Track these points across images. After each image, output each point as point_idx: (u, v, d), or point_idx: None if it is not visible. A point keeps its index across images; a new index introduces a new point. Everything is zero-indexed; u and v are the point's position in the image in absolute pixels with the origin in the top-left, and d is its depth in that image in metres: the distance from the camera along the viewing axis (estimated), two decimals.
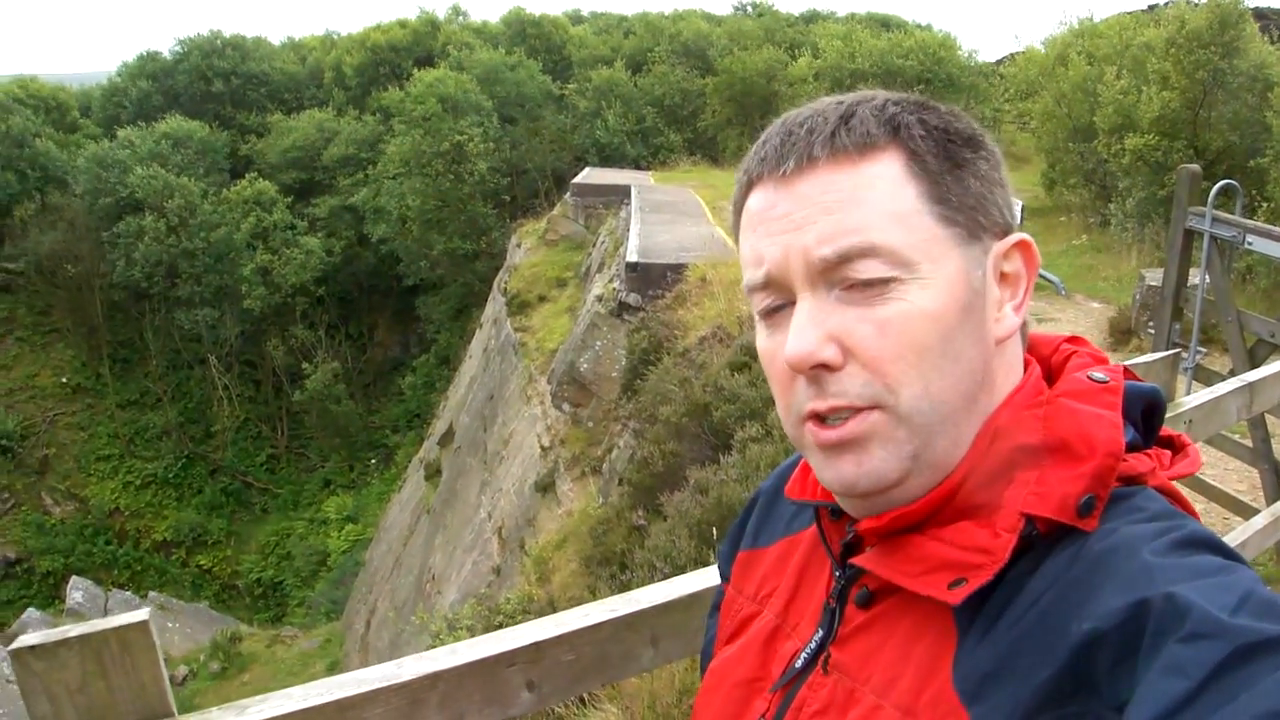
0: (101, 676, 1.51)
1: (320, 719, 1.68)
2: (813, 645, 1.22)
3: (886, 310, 1.07)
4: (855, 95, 1.17)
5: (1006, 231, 1.17)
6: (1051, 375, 1.20)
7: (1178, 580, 0.91)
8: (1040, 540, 1.05)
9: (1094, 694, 0.92)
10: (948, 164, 1.12)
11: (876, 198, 1.09)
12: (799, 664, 1.22)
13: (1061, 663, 0.94)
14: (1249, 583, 0.91)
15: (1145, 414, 1.18)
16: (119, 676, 1.52)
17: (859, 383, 1.08)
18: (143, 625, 1.53)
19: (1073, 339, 1.25)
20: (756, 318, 1.19)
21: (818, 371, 1.09)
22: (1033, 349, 1.23)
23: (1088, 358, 1.21)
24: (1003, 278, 1.16)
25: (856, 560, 1.17)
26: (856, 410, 1.09)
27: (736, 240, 1.23)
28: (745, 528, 1.52)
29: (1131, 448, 1.11)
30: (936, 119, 1.15)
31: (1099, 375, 1.15)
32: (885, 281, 1.07)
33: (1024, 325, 1.20)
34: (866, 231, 1.07)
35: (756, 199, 1.16)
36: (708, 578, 2.10)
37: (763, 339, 1.19)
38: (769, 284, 1.13)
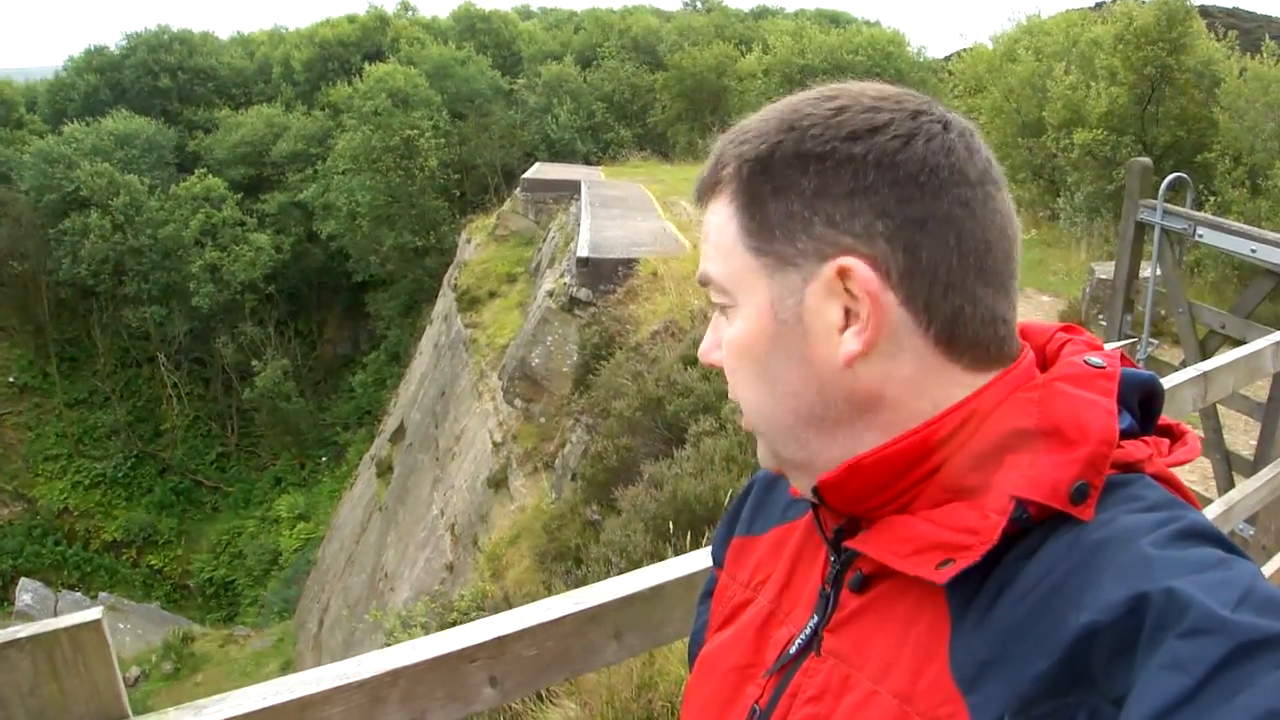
0: (53, 678, 1.48)
1: (280, 718, 1.66)
2: (807, 631, 1.21)
3: (727, 333, 1.20)
4: (736, 128, 1.21)
5: (852, 250, 1.10)
6: (1046, 363, 1.19)
7: (1177, 574, 0.90)
8: (1035, 526, 1.04)
9: (1091, 686, 0.91)
10: (764, 192, 1.13)
11: (713, 232, 1.20)
12: (793, 649, 1.21)
13: (1059, 655, 0.93)
14: (1250, 578, 0.90)
15: (1144, 402, 1.17)
16: (71, 678, 1.49)
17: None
18: (95, 625, 1.50)
19: (1068, 327, 1.24)
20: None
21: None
22: (1026, 336, 1.22)
23: (1083, 345, 1.20)
24: (836, 303, 1.12)
25: (849, 542, 1.16)
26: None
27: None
28: (740, 514, 1.51)
29: (1128, 435, 1.11)
30: (760, 148, 1.13)
31: (1095, 360, 1.14)
32: (724, 308, 1.20)
33: (1001, 320, 1.16)
34: (706, 262, 1.21)
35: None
36: (671, 570, 2.09)
37: None
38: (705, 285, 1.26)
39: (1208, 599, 0.85)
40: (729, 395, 1.24)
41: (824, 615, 1.19)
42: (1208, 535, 0.97)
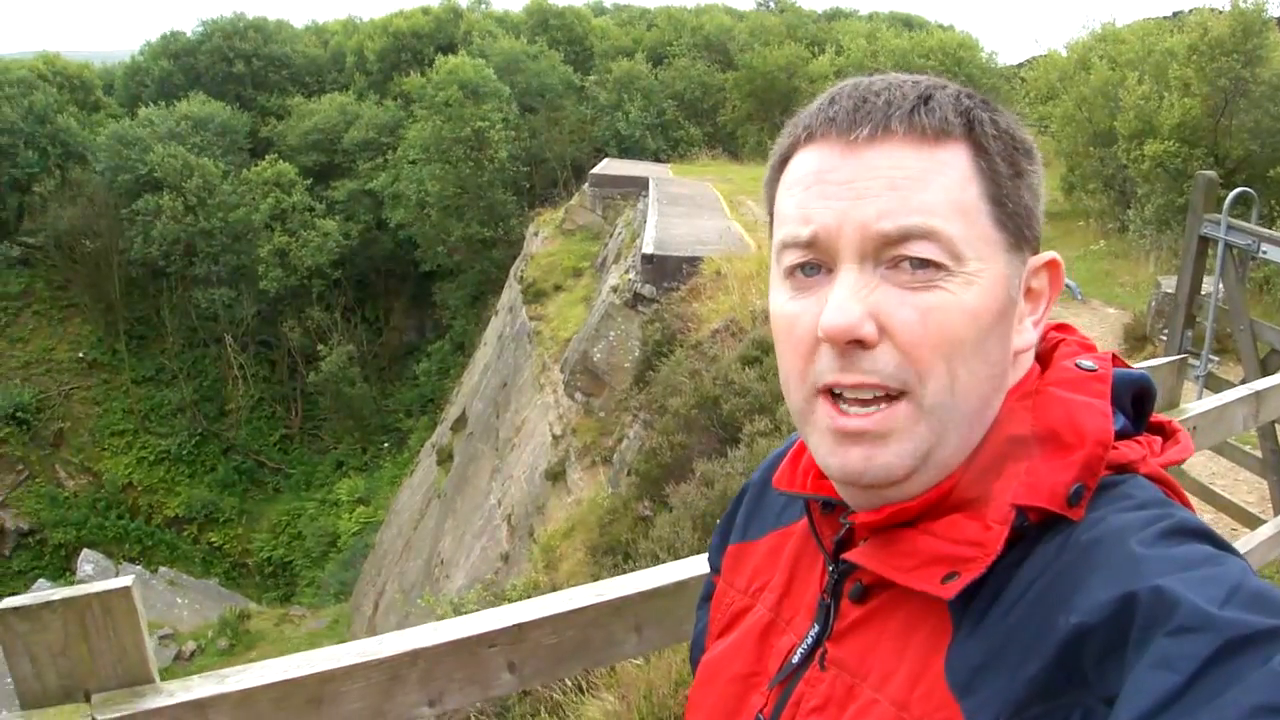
0: (83, 640, 1.53)
1: (300, 691, 1.69)
2: (809, 640, 1.21)
3: (930, 298, 1.06)
4: (926, 78, 1.16)
5: (1038, 248, 1.17)
6: (1041, 364, 1.20)
7: (1165, 572, 0.91)
8: (1030, 530, 1.05)
9: (1083, 686, 0.92)
10: (1010, 169, 1.12)
11: (944, 184, 1.08)
12: (795, 659, 1.22)
13: (1050, 657, 0.94)
14: (1238, 573, 0.91)
15: (1136, 400, 1.18)
16: (100, 641, 1.54)
17: (892, 364, 1.06)
18: (125, 591, 1.54)
19: (1059, 326, 1.25)
20: (778, 276, 1.17)
21: (852, 346, 1.06)
22: None
23: (1075, 345, 1.21)
24: (1028, 292, 1.16)
25: (849, 556, 1.17)
26: (884, 393, 1.07)
27: (769, 194, 1.22)
28: (734, 520, 1.51)
29: (1122, 435, 1.12)
30: (1005, 122, 1.15)
31: (1087, 363, 1.15)
32: (934, 268, 1.06)
33: None
34: (929, 215, 1.06)
35: (813, 157, 1.13)
36: (694, 566, 2.09)
37: (783, 300, 1.16)
38: (812, 244, 1.10)
39: (1195, 596, 0.87)
40: (883, 373, 1.07)
41: (825, 625, 1.20)
42: (1197, 532, 0.99)
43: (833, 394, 1.10)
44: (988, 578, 1.04)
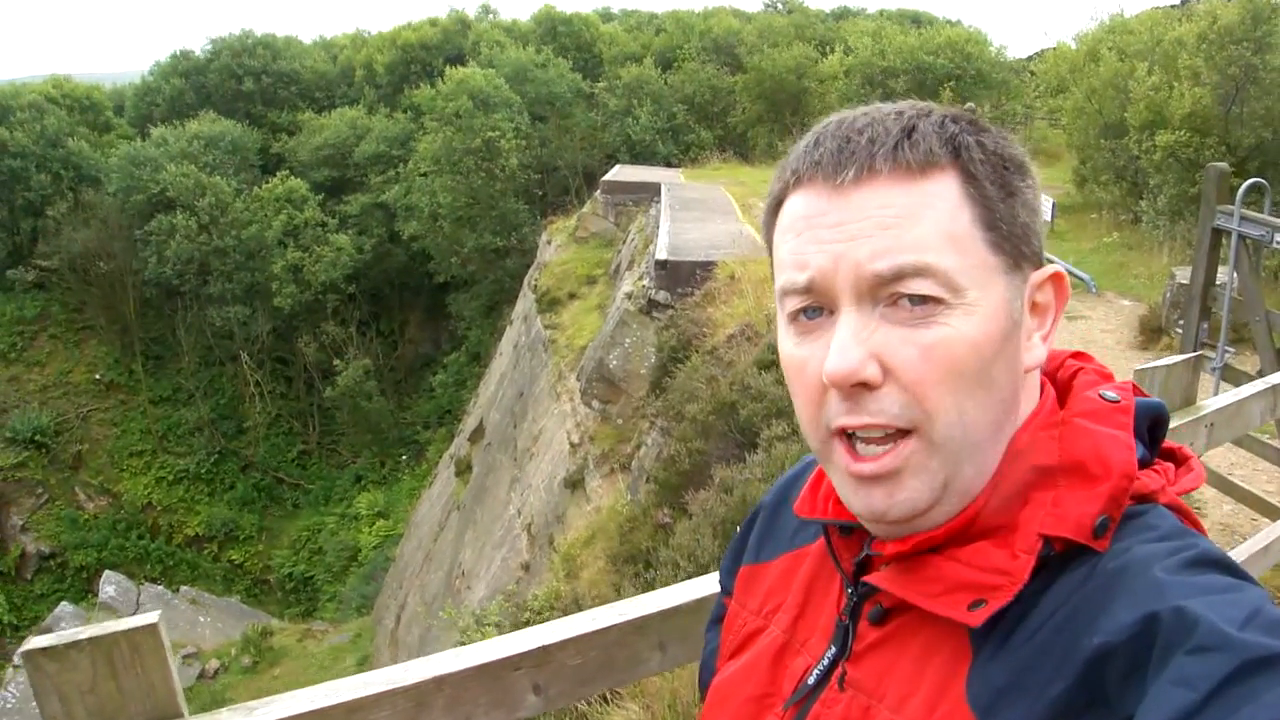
0: (112, 678, 1.54)
1: None
2: (825, 662, 1.22)
3: (930, 334, 1.06)
4: (911, 106, 1.16)
5: (1040, 263, 1.17)
6: (1059, 392, 1.21)
7: (1187, 596, 0.92)
8: (1054, 559, 1.06)
9: (1105, 707, 0.93)
10: (1002, 191, 1.12)
11: (934, 217, 1.08)
12: (811, 680, 1.22)
13: (1074, 677, 0.95)
14: (1258, 600, 0.92)
15: (1150, 427, 1.19)
16: (129, 678, 1.55)
17: (898, 404, 1.07)
18: (152, 628, 1.56)
19: (1077, 354, 1.26)
20: (783, 320, 1.17)
21: (857, 389, 1.07)
22: None
23: (1094, 374, 1.22)
24: (1034, 307, 1.16)
25: (872, 579, 1.17)
26: (891, 432, 1.08)
27: (767, 238, 1.22)
28: (746, 542, 1.51)
29: (1140, 463, 1.12)
30: (992, 143, 1.14)
31: (1111, 394, 1.16)
32: (933, 303, 1.06)
33: None
34: (922, 251, 1.06)
35: (803, 202, 1.14)
36: (714, 583, 2.09)
37: (790, 345, 1.16)
38: (810, 290, 1.11)
39: (1216, 617, 0.88)
40: (889, 413, 1.08)
41: (843, 647, 1.20)
42: (1218, 562, 1.00)
43: (846, 434, 1.11)
44: (1011, 604, 1.05)
